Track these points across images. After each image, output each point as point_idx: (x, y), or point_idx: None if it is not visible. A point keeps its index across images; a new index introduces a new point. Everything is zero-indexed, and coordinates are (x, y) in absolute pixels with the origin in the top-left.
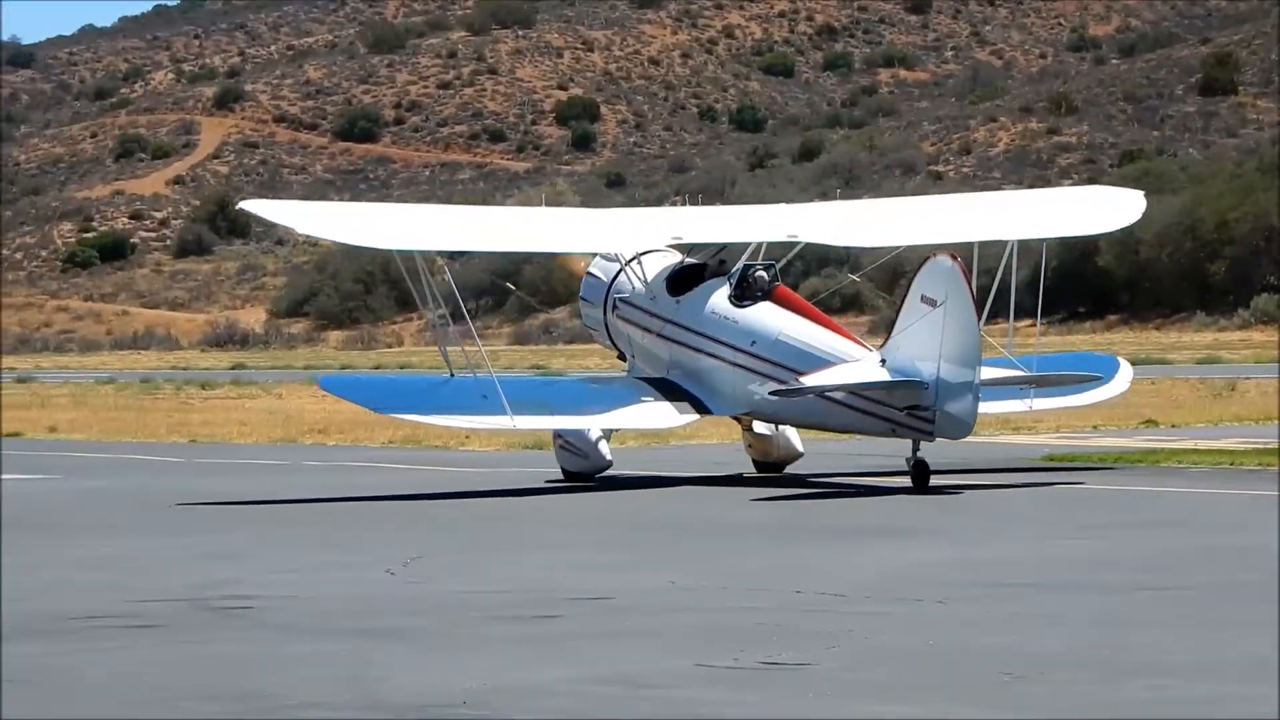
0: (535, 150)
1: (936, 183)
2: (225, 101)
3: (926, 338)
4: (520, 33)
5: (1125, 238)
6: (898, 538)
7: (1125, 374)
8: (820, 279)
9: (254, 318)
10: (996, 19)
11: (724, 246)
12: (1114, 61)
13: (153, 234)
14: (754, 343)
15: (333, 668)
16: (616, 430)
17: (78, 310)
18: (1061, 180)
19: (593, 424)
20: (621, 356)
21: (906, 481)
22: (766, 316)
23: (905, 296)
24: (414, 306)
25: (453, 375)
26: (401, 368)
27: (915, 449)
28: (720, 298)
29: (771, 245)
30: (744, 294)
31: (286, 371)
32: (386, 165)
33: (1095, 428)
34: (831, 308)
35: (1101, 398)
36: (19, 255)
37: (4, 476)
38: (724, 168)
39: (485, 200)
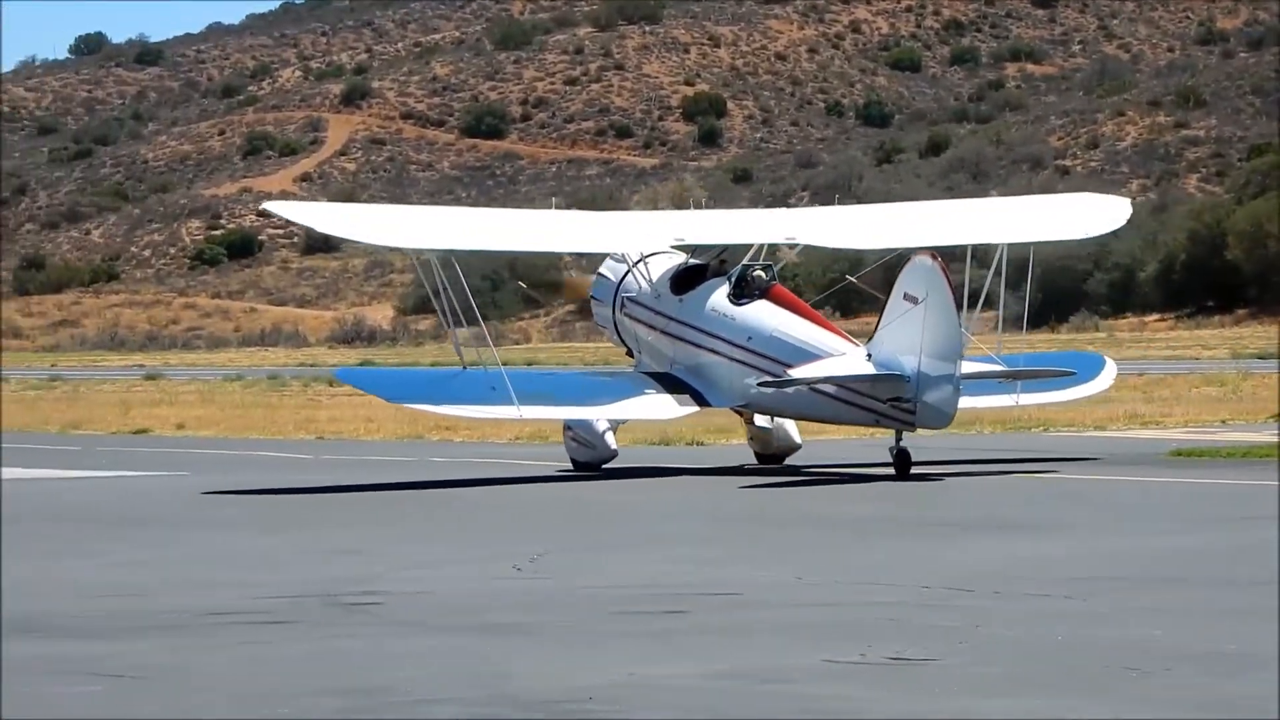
0: (662, 146)
1: (1064, 177)
2: (352, 98)
3: (908, 333)
4: (647, 28)
5: (1254, 231)
6: (1020, 531)
7: (1109, 372)
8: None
9: (381, 314)
10: (1124, 12)
11: (726, 248)
12: (1242, 55)
13: (280, 231)
14: (750, 338)
15: (459, 663)
16: (623, 422)
17: (205, 308)
18: (1189, 174)
19: (596, 415)
20: (630, 353)
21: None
22: (763, 314)
23: (890, 295)
24: (539, 303)
25: (464, 368)
26: (528, 364)
27: (898, 438)
28: (720, 296)
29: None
30: (742, 293)
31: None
32: (513, 161)
33: (1224, 422)
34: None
35: (1086, 394)
36: (147, 253)
37: (129, 473)
38: (851, 163)
39: (612, 196)
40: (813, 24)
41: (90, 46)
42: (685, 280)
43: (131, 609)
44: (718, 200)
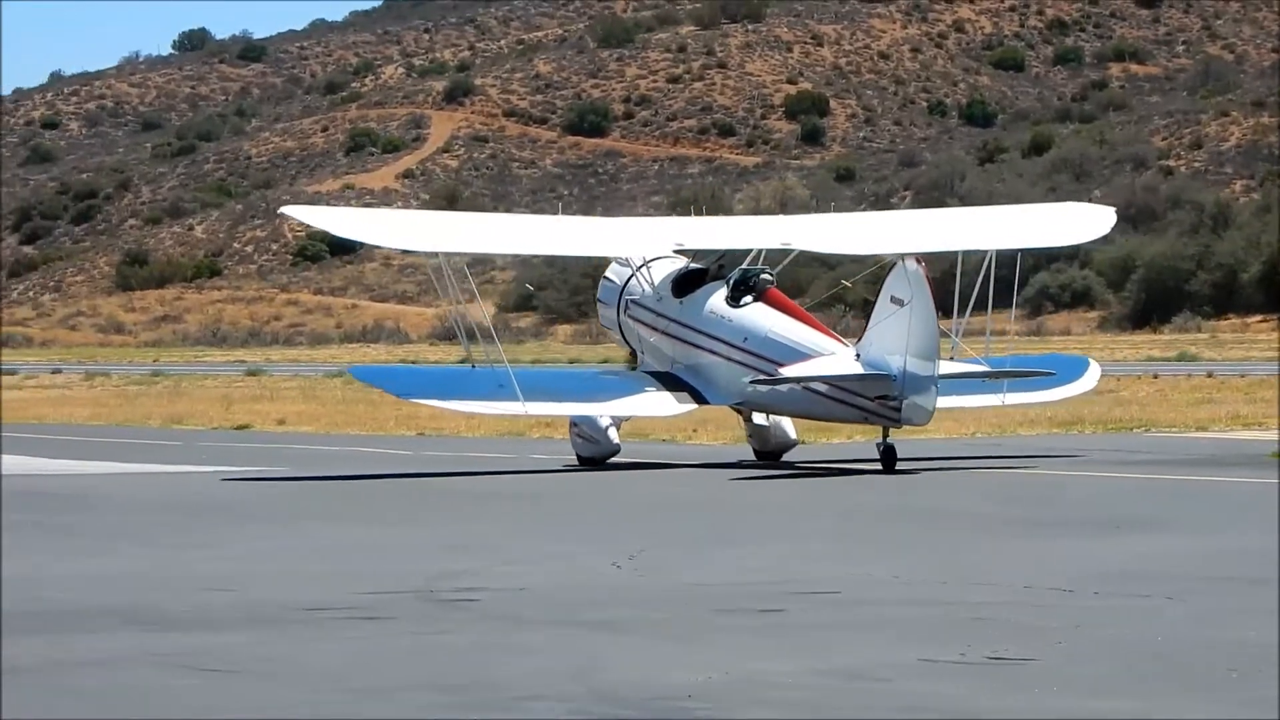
0: (764, 145)
1: (1168, 178)
2: (455, 95)
3: (895, 334)
4: (750, 27)
5: None
6: (1124, 531)
7: (1093, 373)
8: (1049, 273)
9: (481, 312)
10: (1228, 13)
11: (725, 252)
12: None
13: None
14: (746, 339)
15: (558, 659)
16: (626, 418)
17: (307, 304)
18: None
19: (598, 411)
20: (633, 354)
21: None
22: (758, 315)
23: (877, 297)
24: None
25: (473, 366)
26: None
27: (885, 435)
28: (718, 299)
29: (770, 252)
30: (739, 295)
31: (513, 366)
32: (615, 159)
33: None
34: (1062, 302)
35: (1071, 394)
36: (249, 249)
37: (230, 468)
38: (953, 162)
39: (714, 195)
40: (916, 23)
41: (194, 43)
42: (686, 283)
43: (232, 603)
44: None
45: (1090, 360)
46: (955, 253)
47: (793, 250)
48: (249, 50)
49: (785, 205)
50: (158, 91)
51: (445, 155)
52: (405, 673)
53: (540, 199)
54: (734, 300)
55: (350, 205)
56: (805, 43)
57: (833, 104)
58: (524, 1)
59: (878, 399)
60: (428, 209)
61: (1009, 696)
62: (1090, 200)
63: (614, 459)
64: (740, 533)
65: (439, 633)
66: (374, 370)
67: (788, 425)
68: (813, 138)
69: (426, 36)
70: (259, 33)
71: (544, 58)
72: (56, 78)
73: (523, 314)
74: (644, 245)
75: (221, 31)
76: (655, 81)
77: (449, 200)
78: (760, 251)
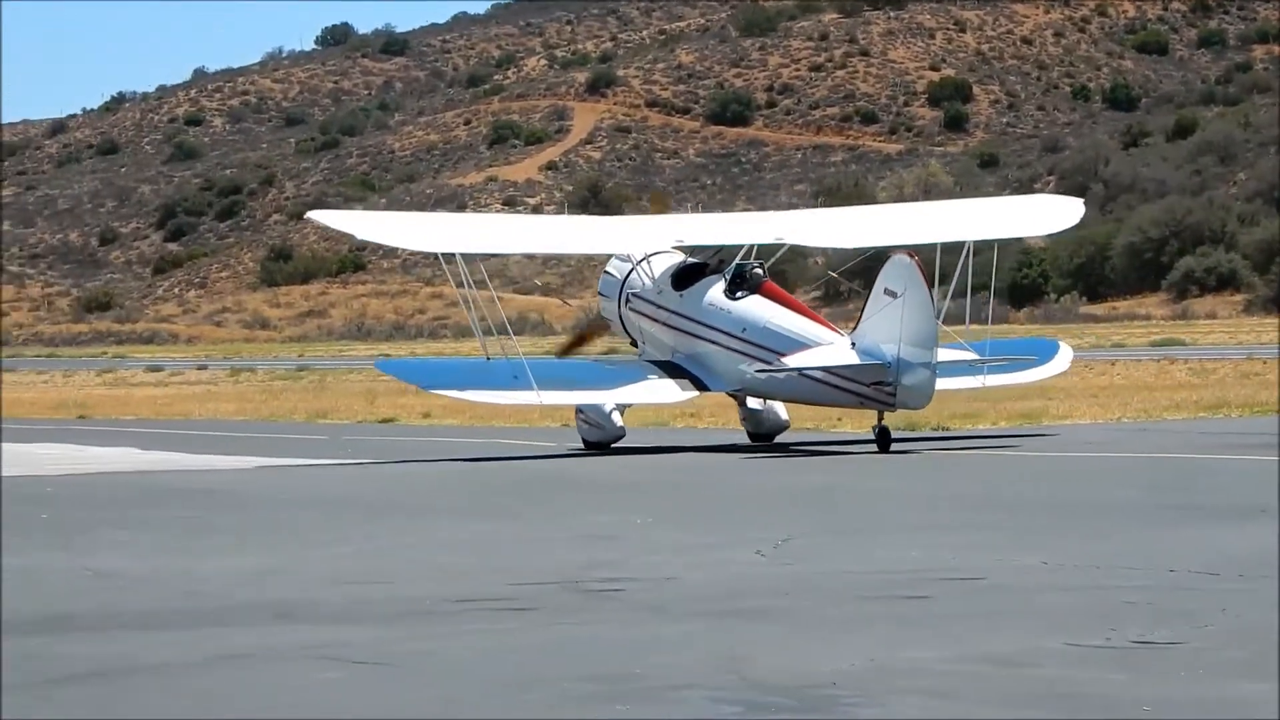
0: (908, 132)
1: None
2: (597, 86)
3: (889, 324)
4: (892, 14)
5: None
6: (1264, 516)
7: (1065, 355)
8: (1194, 257)
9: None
10: None
11: (721, 247)
12: None
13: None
14: (745, 330)
15: (704, 649)
16: (630, 405)
17: (451, 297)
18: None
19: (607, 399)
20: (634, 344)
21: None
22: (756, 307)
23: (871, 290)
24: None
25: (489, 359)
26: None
27: (880, 418)
28: (717, 292)
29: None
30: (737, 288)
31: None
32: (759, 148)
33: None
34: (1208, 286)
35: (1045, 375)
36: None
37: (375, 461)
38: (1097, 146)
39: (858, 182)
40: (1059, 7)
41: (336, 38)
42: (685, 277)
43: (380, 596)
44: (965, 186)
45: (1060, 343)
46: (935, 244)
47: (785, 244)
48: (391, 44)
49: (929, 192)
50: (301, 87)
51: (588, 146)
52: (552, 664)
53: (683, 189)
54: (732, 293)
55: (494, 198)
56: (948, 29)
57: (976, 90)
58: None
59: (873, 384)
60: (570, 200)
61: (1156, 681)
62: (1235, 183)
63: (633, 443)
64: (871, 521)
65: (587, 623)
66: (399, 364)
67: (780, 409)
68: (956, 124)
69: (569, 28)
70: (401, 26)
71: (686, 47)
72: (200, 74)
73: None
74: (645, 242)
75: (364, 26)
76: (798, 70)
77: (591, 191)
78: (754, 246)
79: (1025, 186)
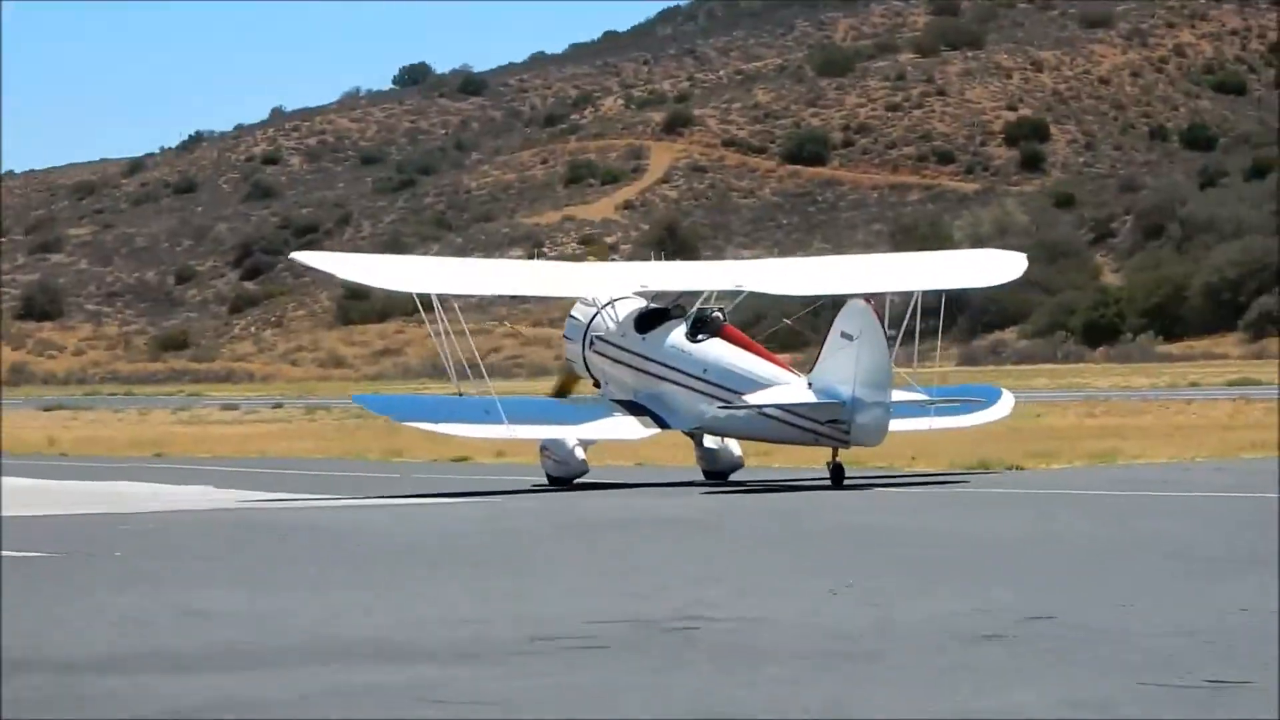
0: (984, 171)
1: None
2: (674, 126)
3: (844, 365)
4: (969, 54)
5: None
6: None
7: (1007, 402)
8: (1271, 297)
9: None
10: None
11: (682, 294)
12: None
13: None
14: (706, 370)
15: (808, 690)
16: (594, 441)
17: (527, 336)
18: None
19: (573, 434)
20: (596, 385)
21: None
22: (716, 350)
23: (827, 333)
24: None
25: (461, 394)
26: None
27: (834, 455)
28: (678, 335)
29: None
30: (698, 332)
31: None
32: (835, 188)
33: None
34: None
35: (987, 420)
36: None
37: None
38: (1174, 187)
39: (934, 222)
40: (1136, 48)
41: (414, 77)
42: (648, 321)
43: (467, 636)
44: (1040, 226)
45: (1002, 390)
46: (885, 294)
47: (743, 291)
48: (468, 84)
49: (1004, 232)
50: (378, 126)
51: (664, 185)
52: (634, 708)
53: (759, 228)
54: (693, 336)
55: (570, 237)
56: (1025, 69)
57: (1053, 129)
58: (743, 32)
59: (829, 423)
60: (647, 239)
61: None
62: None
63: (586, 479)
64: (942, 563)
65: (678, 665)
66: (376, 399)
67: (735, 448)
68: (1032, 164)
69: (645, 68)
70: (479, 66)
71: (763, 87)
72: (278, 114)
73: None
74: (610, 287)
75: (442, 65)
76: (874, 109)
77: (668, 230)
78: (713, 293)
79: (1102, 226)
